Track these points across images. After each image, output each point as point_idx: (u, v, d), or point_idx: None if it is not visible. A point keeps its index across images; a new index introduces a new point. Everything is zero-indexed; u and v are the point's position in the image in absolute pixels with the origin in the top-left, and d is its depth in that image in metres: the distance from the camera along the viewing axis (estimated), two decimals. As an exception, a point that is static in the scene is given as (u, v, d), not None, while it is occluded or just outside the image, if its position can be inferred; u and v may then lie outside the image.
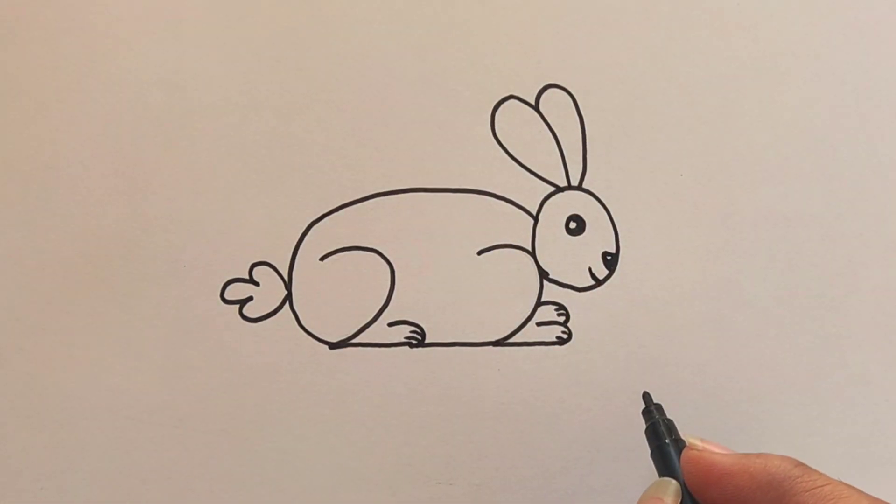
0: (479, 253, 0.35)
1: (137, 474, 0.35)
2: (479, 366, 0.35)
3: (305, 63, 0.36)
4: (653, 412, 0.31)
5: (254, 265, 0.35)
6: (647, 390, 0.32)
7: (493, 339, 0.36)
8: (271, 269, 0.35)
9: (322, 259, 0.35)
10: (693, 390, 0.36)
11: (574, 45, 0.36)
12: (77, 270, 0.35)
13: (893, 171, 0.36)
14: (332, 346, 0.35)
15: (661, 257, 0.36)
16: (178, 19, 0.35)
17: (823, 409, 0.36)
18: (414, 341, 0.35)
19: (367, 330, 0.35)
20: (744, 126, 0.36)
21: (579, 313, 0.36)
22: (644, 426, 0.31)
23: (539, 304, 0.36)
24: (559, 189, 0.36)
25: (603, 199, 0.36)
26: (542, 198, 0.36)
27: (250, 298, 0.35)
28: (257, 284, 0.35)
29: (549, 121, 0.35)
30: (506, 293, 0.36)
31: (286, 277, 0.35)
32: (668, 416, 0.31)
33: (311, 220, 0.35)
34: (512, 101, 0.35)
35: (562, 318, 0.35)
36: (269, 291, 0.35)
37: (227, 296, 0.35)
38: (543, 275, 0.36)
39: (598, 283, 0.36)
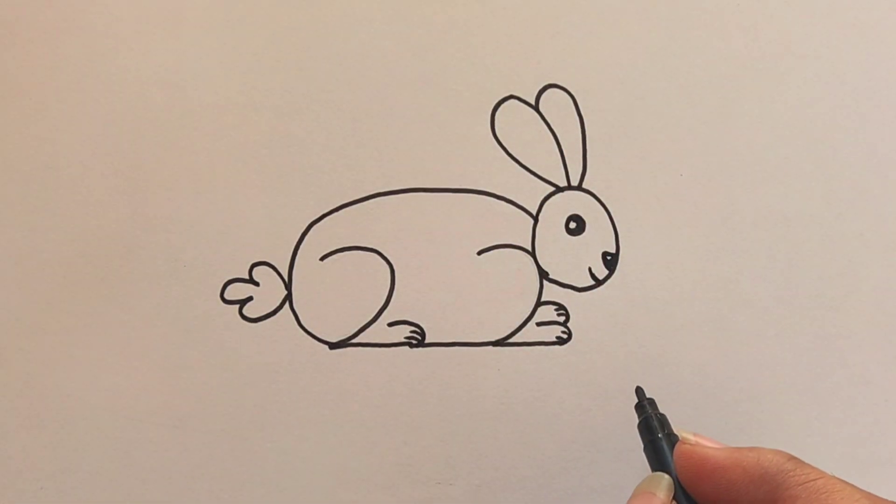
0: (479, 253, 0.35)
1: (137, 474, 0.35)
2: (478, 366, 0.35)
3: (305, 63, 0.36)
4: (645, 407, 0.31)
5: (254, 265, 0.35)
6: (645, 389, 0.32)
7: (492, 339, 0.36)
8: (271, 269, 0.35)
9: (322, 259, 0.35)
10: (693, 390, 0.36)
11: (574, 45, 0.36)
12: (77, 270, 0.35)
13: (893, 171, 0.36)
14: (332, 346, 0.35)
15: (661, 257, 0.36)
16: (178, 19, 0.35)
17: (823, 409, 0.36)
18: (414, 341, 0.35)
19: (367, 330, 0.35)
20: (744, 126, 0.36)
21: (579, 313, 0.36)
22: (637, 421, 0.31)
23: (539, 304, 0.36)
24: (559, 189, 0.36)
25: (603, 199, 0.36)
26: (542, 198, 0.36)
27: (250, 298, 0.35)
28: (257, 284, 0.35)
29: (549, 121, 0.35)
30: (506, 293, 0.36)
31: (286, 277, 0.35)
32: (668, 415, 0.31)
33: (311, 220, 0.35)
34: (512, 101, 0.35)
35: (562, 318, 0.35)
36: (269, 291, 0.35)
37: (227, 296, 0.35)
38: (543, 275, 0.36)
39: (598, 283, 0.36)
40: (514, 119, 0.35)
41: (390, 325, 0.35)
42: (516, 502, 0.36)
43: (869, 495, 0.24)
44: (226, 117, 0.35)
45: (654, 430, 0.30)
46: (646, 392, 0.32)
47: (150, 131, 0.35)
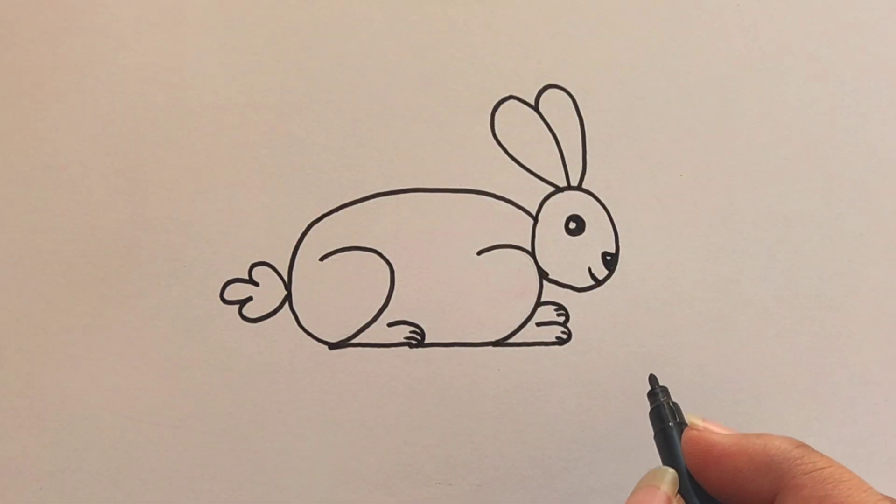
0: (479, 253, 0.35)
1: (137, 474, 0.35)
2: (478, 366, 0.35)
3: (305, 63, 0.36)
4: (658, 395, 0.30)
5: (254, 265, 0.35)
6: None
7: (492, 339, 0.35)
8: (271, 270, 0.35)
9: (322, 259, 0.35)
10: (693, 390, 0.36)
11: (574, 45, 0.36)
12: (77, 270, 0.35)
13: (893, 171, 0.36)
14: (332, 346, 0.35)
15: (661, 257, 0.36)
16: (178, 19, 0.35)
17: (823, 409, 0.36)
18: (413, 341, 0.35)
19: (367, 330, 0.35)
20: (744, 126, 0.36)
21: (579, 313, 0.36)
22: (649, 409, 0.30)
23: (539, 304, 0.36)
24: (559, 189, 0.36)
25: (603, 200, 0.36)
26: (541, 198, 0.36)
27: (250, 298, 0.35)
28: (257, 285, 0.35)
29: (549, 121, 0.35)
30: (506, 293, 0.36)
31: (286, 278, 0.35)
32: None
33: (310, 220, 0.35)
34: (512, 101, 0.35)
35: (561, 319, 0.35)
36: (268, 292, 0.35)
37: (227, 296, 0.35)
38: (543, 275, 0.36)
39: (598, 283, 0.36)
40: (514, 119, 0.35)
41: (390, 325, 0.35)
42: (516, 502, 0.36)
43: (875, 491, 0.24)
44: (226, 117, 0.35)
45: (665, 418, 0.29)
46: (654, 377, 0.31)
47: (150, 131, 0.35)
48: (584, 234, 0.36)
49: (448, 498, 0.36)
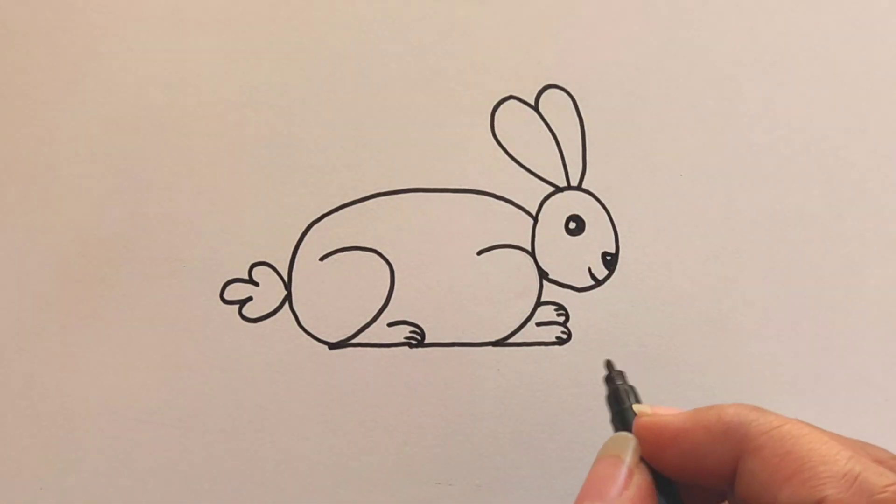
0: (479, 253, 0.35)
1: (137, 474, 0.35)
2: (478, 366, 0.35)
3: (305, 63, 0.36)
4: (614, 378, 0.29)
5: (253, 265, 0.35)
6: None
7: (492, 339, 0.35)
8: (271, 270, 0.35)
9: (322, 259, 0.35)
10: (693, 390, 0.35)
11: (574, 45, 0.36)
12: (77, 270, 0.35)
13: (893, 171, 0.36)
14: (332, 346, 0.35)
15: (661, 257, 0.36)
16: (178, 19, 0.35)
17: (823, 409, 0.36)
18: (413, 341, 0.35)
19: (367, 330, 0.35)
20: (744, 126, 0.36)
21: (579, 313, 0.36)
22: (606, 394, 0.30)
23: (539, 304, 0.36)
24: (559, 189, 0.36)
25: (602, 200, 0.36)
26: (541, 198, 0.36)
27: (250, 298, 0.35)
28: (257, 285, 0.35)
29: (549, 121, 0.35)
30: (505, 293, 0.36)
31: (286, 277, 0.35)
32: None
33: (310, 220, 0.35)
34: (512, 101, 0.35)
35: (561, 319, 0.35)
36: (268, 291, 0.35)
37: (227, 296, 0.35)
38: (543, 275, 0.36)
39: (598, 283, 0.36)
40: (514, 119, 0.35)
41: (390, 325, 0.35)
42: (516, 502, 0.36)
43: (838, 436, 0.23)
44: (226, 117, 0.35)
45: (622, 400, 0.28)
46: (611, 361, 0.31)
47: (150, 131, 0.35)
48: (584, 234, 0.36)
49: (448, 498, 0.36)
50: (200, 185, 0.35)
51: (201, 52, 0.35)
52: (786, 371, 0.36)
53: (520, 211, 0.36)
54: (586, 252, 0.36)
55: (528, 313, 0.36)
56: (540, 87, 0.36)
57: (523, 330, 0.36)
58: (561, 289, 0.36)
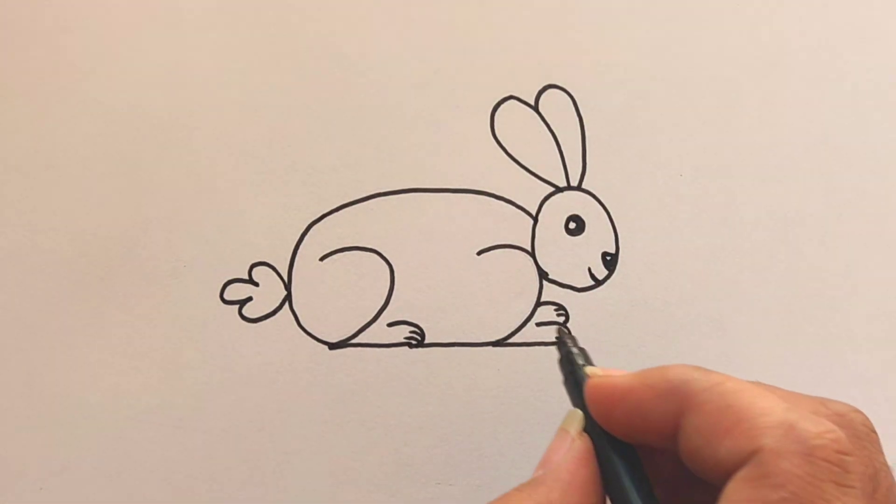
0: (479, 253, 0.35)
1: (137, 474, 0.35)
2: (478, 366, 0.35)
3: (305, 63, 0.36)
4: (566, 342, 0.29)
5: (253, 265, 0.35)
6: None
7: (492, 340, 0.36)
8: (271, 270, 0.35)
9: (322, 259, 0.35)
10: (693, 390, 0.35)
11: (574, 45, 0.36)
12: (77, 270, 0.35)
13: (893, 171, 0.36)
14: (332, 346, 0.35)
15: (661, 257, 0.36)
16: (178, 19, 0.35)
17: (823, 409, 0.36)
18: (413, 342, 0.35)
19: (367, 330, 0.35)
20: (744, 126, 0.36)
21: (579, 313, 0.36)
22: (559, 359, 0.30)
23: (539, 304, 0.36)
24: (559, 189, 0.36)
25: (602, 200, 0.36)
26: (541, 198, 0.36)
27: (250, 299, 0.35)
28: (257, 285, 0.35)
29: (549, 121, 0.35)
30: (505, 293, 0.36)
31: (286, 278, 0.35)
32: None
33: (310, 221, 0.35)
34: (512, 101, 0.35)
35: (561, 319, 0.35)
36: (268, 292, 0.35)
37: (227, 296, 0.35)
38: (543, 275, 0.36)
39: (598, 283, 0.36)
40: (514, 119, 0.35)
41: (390, 325, 0.35)
42: (516, 502, 0.36)
43: (781, 391, 0.24)
44: (226, 117, 0.35)
45: (574, 363, 0.29)
46: (561, 327, 0.31)
47: (150, 131, 0.35)
48: (583, 234, 0.36)
49: (448, 498, 0.36)
50: (200, 185, 0.35)
51: (201, 52, 0.35)
52: (786, 371, 0.36)
53: (520, 211, 0.36)
54: (586, 252, 0.36)
55: (528, 313, 0.36)
56: (540, 87, 0.36)
57: (523, 330, 0.36)
58: (561, 289, 0.36)
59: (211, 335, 0.35)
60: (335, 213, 0.35)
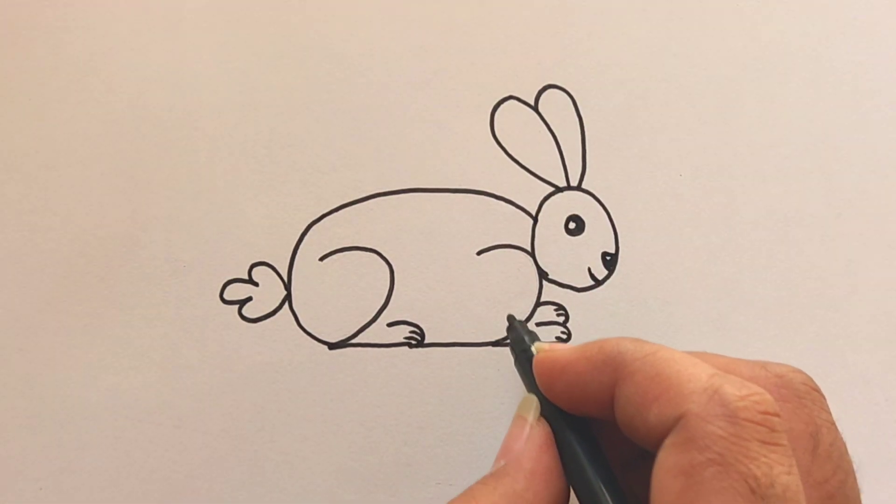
0: (479, 253, 0.35)
1: (137, 474, 0.35)
2: (478, 366, 0.35)
3: (305, 63, 0.36)
4: (516, 327, 0.31)
5: (253, 265, 0.35)
6: None
7: (492, 340, 0.36)
8: (271, 270, 0.35)
9: (321, 259, 0.35)
10: (693, 390, 0.35)
11: (574, 45, 0.36)
12: (77, 270, 0.35)
13: (893, 171, 0.36)
14: (332, 346, 0.35)
15: (661, 257, 0.36)
16: (178, 19, 0.35)
17: (823, 409, 0.36)
18: (413, 341, 0.35)
19: (367, 330, 0.35)
20: (744, 126, 0.36)
21: (579, 313, 0.36)
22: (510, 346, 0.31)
23: (538, 304, 0.36)
24: (558, 189, 0.36)
25: (602, 200, 0.36)
26: (541, 198, 0.36)
27: (250, 299, 0.35)
28: (257, 285, 0.35)
29: (549, 121, 0.35)
30: (505, 293, 0.36)
31: (285, 278, 0.35)
32: None
33: (310, 221, 0.35)
34: (512, 101, 0.36)
35: (561, 319, 0.35)
36: (268, 292, 0.35)
37: (227, 296, 0.35)
38: (543, 275, 0.36)
39: (598, 283, 0.36)
40: (514, 119, 0.35)
41: (390, 325, 0.35)
42: (516, 502, 0.36)
43: (719, 359, 0.25)
44: (226, 117, 0.35)
45: (522, 341, 0.30)
46: (512, 315, 0.32)
47: (150, 131, 0.35)
48: (583, 234, 0.36)
49: (448, 498, 0.36)
50: (200, 185, 0.35)
51: (201, 52, 0.35)
52: (786, 371, 0.36)
53: (520, 211, 0.36)
54: (586, 252, 0.36)
55: (528, 313, 0.36)
56: (540, 87, 0.36)
57: (523, 330, 0.36)
58: (561, 289, 0.36)
59: (211, 335, 0.35)
60: (335, 213, 0.35)
